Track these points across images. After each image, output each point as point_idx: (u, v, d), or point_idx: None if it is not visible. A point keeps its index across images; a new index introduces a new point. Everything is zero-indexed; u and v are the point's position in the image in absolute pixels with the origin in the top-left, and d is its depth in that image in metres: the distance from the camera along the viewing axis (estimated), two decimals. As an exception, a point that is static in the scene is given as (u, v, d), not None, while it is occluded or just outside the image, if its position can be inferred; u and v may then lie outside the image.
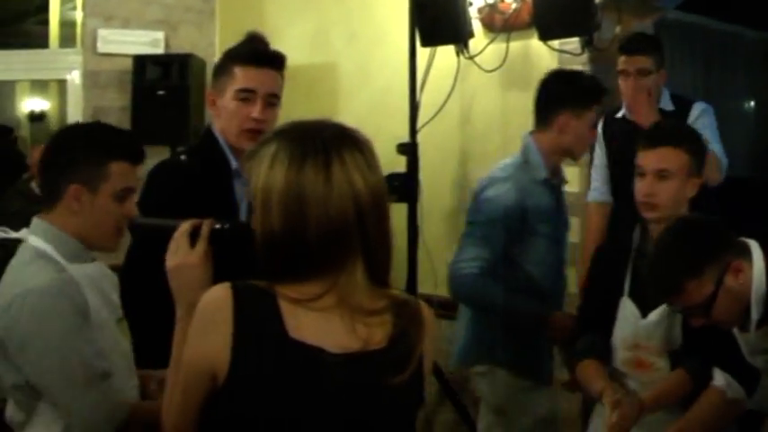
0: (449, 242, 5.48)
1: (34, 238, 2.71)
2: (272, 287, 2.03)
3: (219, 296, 2.02)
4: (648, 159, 3.45)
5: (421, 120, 5.79)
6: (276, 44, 6.97)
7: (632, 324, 3.45)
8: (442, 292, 4.39)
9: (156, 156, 7.07)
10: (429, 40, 5.67)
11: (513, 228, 3.98)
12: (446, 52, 5.75)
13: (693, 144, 3.51)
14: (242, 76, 3.42)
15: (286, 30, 7.00)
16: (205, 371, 2.01)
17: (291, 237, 2.02)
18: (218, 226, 2.37)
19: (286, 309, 2.01)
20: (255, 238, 2.08)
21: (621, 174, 4.93)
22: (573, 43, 5.22)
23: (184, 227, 2.34)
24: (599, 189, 5.17)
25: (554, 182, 4.17)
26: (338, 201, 2.02)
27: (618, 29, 5.24)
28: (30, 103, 9.60)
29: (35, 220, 2.76)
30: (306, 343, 2.00)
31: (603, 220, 5.13)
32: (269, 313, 2.00)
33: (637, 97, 4.74)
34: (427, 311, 2.21)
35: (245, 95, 3.39)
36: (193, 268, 2.29)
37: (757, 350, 3.10)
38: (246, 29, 7.39)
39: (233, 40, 7.58)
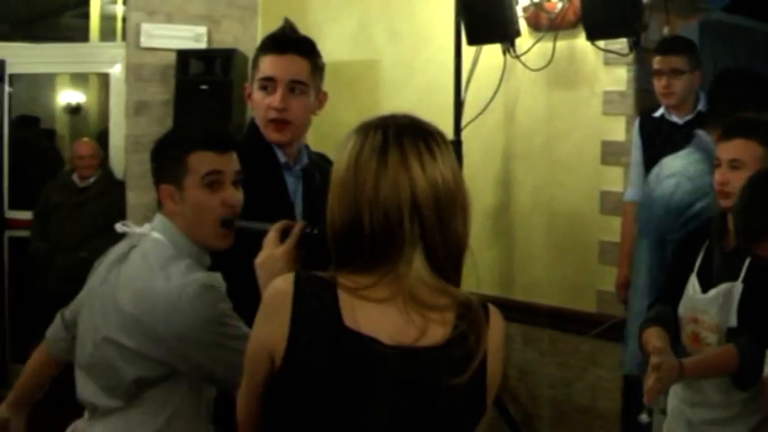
0: (491, 240, 5.50)
1: (157, 234, 2.77)
2: (334, 277, 2.06)
3: (281, 286, 2.06)
4: (722, 150, 3.59)
5: (465, 118, 5.81)
6: (318, 40, 6.99)
7: (692, 298, 3.56)
8: (485, 290, 4.40)
9: (199, 150, 7.17)
10: (475, 39, 5.68)
11: None
12: (491, 51, 5.77)
13: (767, 136, 3.58)
14: (264, 66, 3.27)
15: (328, 25, 7.02)
16: (265, 357, 2.05)
17: (349, 224, 2.05)
18: (308, 229, 2.45)
19: (344, 298, 2.03)
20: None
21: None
22: (619, 43, 5.21)
23: (277, 226, 2.44)
24: (636, 188, 5.16)
25: None
26: (392, 189, 2.02)
27: (666, 29, 5.23)
28: (69, 96, 9.62)
29: (158, 216, 2.81)
30: (360, 333, 2.01)
31: (639, 220, 5.13)
32: (326, 302, 2.02)
33: (668, 98, 4.86)
34: (496, 317, 2.17)
35: (266, 84, 3.23)
36: (278, 260, 2.38)
37: None
38: (288, 25, 7.46)
39: (276, 35, 7.66)
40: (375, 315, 2.03)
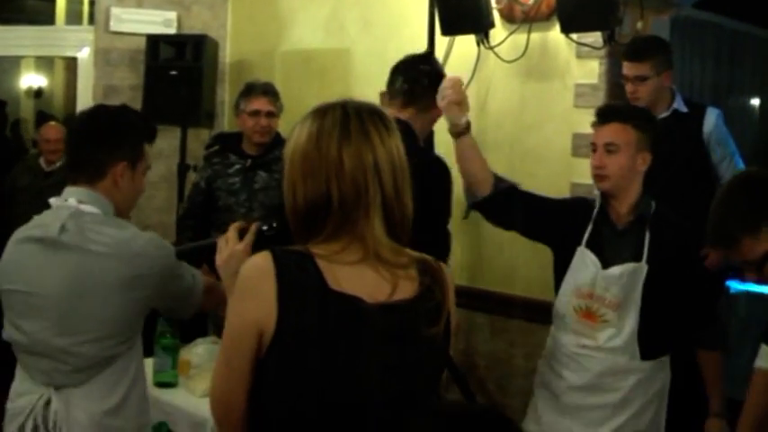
0: (461, 230, 5.49)
1: (89, 207, 3.02)
2: (307, 248, 2.19)
3: (259, 262, 2.17)
4: (598, 135, 3.73)
5: (437, 108, 5.82)
6: (290, 27, 6.99)
7: (592, 273, 3.67)
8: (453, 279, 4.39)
9: (167, 136, 7.12)
10: (450, 29, 5.68)
11: None
12: (465, 41, 5.78)
13: (641, 121, 3.76)
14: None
15: (300, 13, 7.02)
16: (253, 333, 2.15)
17: (316, 196, 2.19)
18: (264, 227, 2.56)
19: (323, 265, 2.16)
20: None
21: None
22: (592, 36, 5.24)
23: (234, 225, 2.55)
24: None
25: None
26: (356, 157, 2.19)
27: (639, 24, 5.26)
28: (33, 80, 9.56)
29: (83, 190, 3.05)
30: (345, 293, 2.15)
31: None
32: (308, 270, 2.15)
33: (635, 102, 4.90)
34: (448, 272, 2.34)
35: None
36: (241, 256, 2.43)
37: None
38: (259, 11, 7.44)
39: (246, 21, 7.66)
40: (353, 276, 2.17)
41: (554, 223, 3.88)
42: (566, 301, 3.75)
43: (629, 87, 4.91)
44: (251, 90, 5.50)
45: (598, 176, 3.74)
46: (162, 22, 7.23)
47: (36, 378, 2.98)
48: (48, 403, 2.93)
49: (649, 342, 3.64)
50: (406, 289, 2.21)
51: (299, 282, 2.13)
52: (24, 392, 2.99)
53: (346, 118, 2.23)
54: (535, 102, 5.65)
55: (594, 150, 3.73)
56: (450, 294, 2.31)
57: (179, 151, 6.67)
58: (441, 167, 4.05)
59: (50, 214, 3.05)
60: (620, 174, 3.69)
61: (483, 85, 5.85)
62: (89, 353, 2.92)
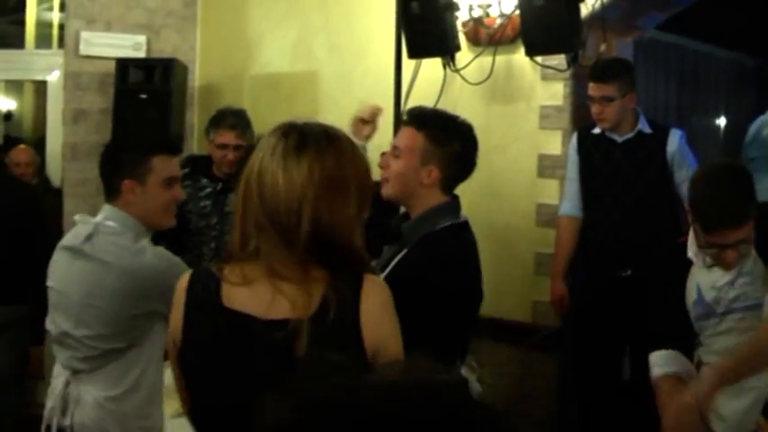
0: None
1: (110, 222, 3.42)
2: (222, 268, 2.35)
3: (182, 282, 2.41)
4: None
5: (404, 130, 5.88)
6: (258, 51, 7.02)
7: None
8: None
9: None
10: (416, 52, 5.75)
11: None
12: (431, 64, 5.84)
13: (432, 130, 3.39)
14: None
15: (268, 37, 7.07)
16: (173, 340, 2.40)
17: (243, 215, 2.31)
18: None
19: (225, 284, 2.32)
20: None
21: (597, 188, 5.09)
22: (556, 59, 5.31)
23: None
24: (571, 203, 5.27)
25: None
26: (286, 184, 2.24)
27: (603, 46, 5.34)
28: (2, 103, 9.54)
29: (108, 207, 3.46)
30: (235, 310, 2.29)
31: (574, 233, 5.24)
32: (210, 289, 2.33)
33: (602, 123, 5.03)
34: (373, 287, 2.32)
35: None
36: None
37: (729, 281, 3.40)
38: (228, 35, 7.49)
39: (215, 45, 7.69)
40: (248, 295, 2.30)
41: None
42: None
43: (595, 108, 4.98)
44: (219, 121, 5.48)
45: (382, 181, 3.42)
46: (131, 45, 7.25)
47: (62, 363, 3.47)
48: (66, 385, 3.42)
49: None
50: (307, 306, 2.23)
51: (200, 300, 2.34)
52: (57, 375, 3.50)
53: (280, 146, 2.29)
54: (501, 123, 5.72)
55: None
56: (364, 311, 2.27)
57: (148, 174, 6.68)
58: None
59: (81, 227, 3.46)
60: (399, 179, 3.36)
61: (449, 108, 5.81)
62: (97, 346, 3.34)
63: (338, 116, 6.15)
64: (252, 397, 2.20)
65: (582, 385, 5.18)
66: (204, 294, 2.33)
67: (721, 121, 9.31)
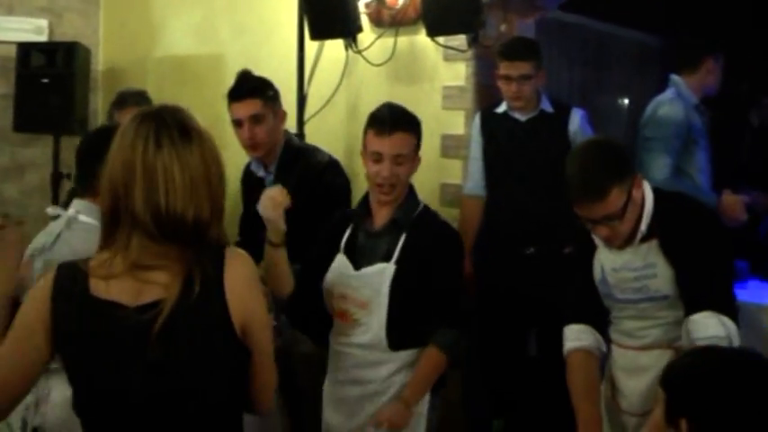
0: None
1: (84, 217, 3.40)
2: (89, 260, 2.41)
3: (47, 274, 2.45)
4: (386, 145, 3.84)
5: (308, 112, 5.91)
6: (162, 34, 6.96)
7: (345, 276, 3.81)
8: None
9: (40, 144, 7.04)
10: (318, 34, 5.76)
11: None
12: (334, 46, 5.86)
13: (417, 128, 4.01)
14: (231, 112, 4.73)
15: (172, 20, 7.02)
16: (36, 330, 2.38)
17: (109, 207, 2.37)
18: None
19: (92, 276, 2.36)
20: None
21: (501, 167, 5.12)
22: (458, 40, 5.36)
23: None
24: (475, 182, 5.31)
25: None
26: (116, 171, 2.35)
27: (503, 27, 5.38)
28: None
29: (82, 202, 3.45)
30: (101, 298, 2.34)
31: (478, 212, 5.29)
32: (77, 280, 2.37)
33: (518, 101, 5.04)
34: (235, 260, 2.41)
35: (239, 123, 4.70)
36: None
37: (629, 267, 3.45)
38: (131, 18, 7.40)
39: (117, 28, 7.60)
40: (115, 284, 2.35)
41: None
42: (327, 304, 3.89)
43: (512, 87, 4.99)
44: (123, 103, 5.45)
45: (388, 186, 3.87)
46: (33, 29, 7.15)
47: None
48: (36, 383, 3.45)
49: (399, 335, 3.72)
50: (171, 288, 2.31)
51: (66, 291, 2.37)
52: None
53: (131, 131, 2.38)
54: (405, 104, 5.69)
55: (379, 161, 3.85)
56: (229, 283, 2.36)
57: (52, 160, 6.64)
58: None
59: (53, 224, 3.49)
60: (407, 183, 3.96)
61: (353, 89, 5.93)
62: None
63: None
64: (126, 381, 2.30)
65: (487, 363, 5.22)
66: (71, 285, 2.37)
67: (625, 102, 9.42)
